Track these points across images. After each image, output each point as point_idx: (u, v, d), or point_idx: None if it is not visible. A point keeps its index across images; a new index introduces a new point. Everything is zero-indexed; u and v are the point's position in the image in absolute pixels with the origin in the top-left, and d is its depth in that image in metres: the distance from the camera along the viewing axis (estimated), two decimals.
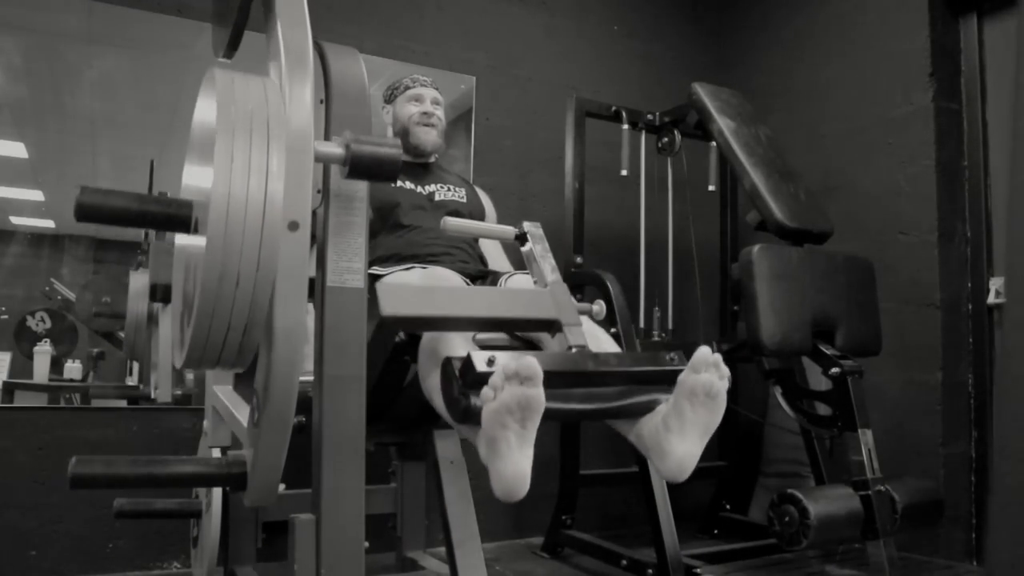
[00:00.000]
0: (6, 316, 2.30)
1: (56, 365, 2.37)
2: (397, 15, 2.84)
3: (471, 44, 2.97)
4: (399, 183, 2.08)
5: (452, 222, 1.48)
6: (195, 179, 1.08)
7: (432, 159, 2.20)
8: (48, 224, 2.40)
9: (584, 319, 1.43)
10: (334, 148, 1.07)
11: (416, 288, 1.38)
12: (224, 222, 0.87)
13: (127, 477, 1.13)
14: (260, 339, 0.97)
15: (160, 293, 1.91)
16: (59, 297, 2.36)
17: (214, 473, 1.15)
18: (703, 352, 1.19)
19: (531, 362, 1.07)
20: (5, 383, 2.27)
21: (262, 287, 0.91)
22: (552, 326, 1.33)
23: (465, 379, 1.16)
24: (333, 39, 1.26)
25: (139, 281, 2.25)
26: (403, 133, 2.14)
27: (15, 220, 2.36)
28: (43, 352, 2.34)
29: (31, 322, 2.33)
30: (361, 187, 1.18)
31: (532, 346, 1.59)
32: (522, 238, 1.47)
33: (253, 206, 0.89)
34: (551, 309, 1.33)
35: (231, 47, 1.33)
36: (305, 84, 1.04)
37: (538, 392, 1.08)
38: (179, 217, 1.02)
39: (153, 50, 2.48)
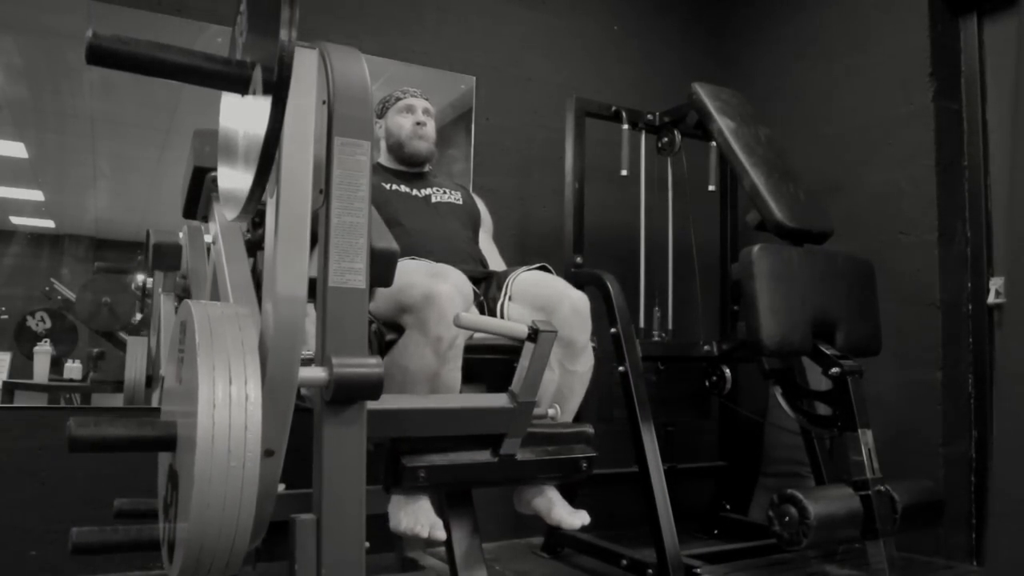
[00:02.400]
0: (6, 316, 2.30)
1: (56, 365, 2.37)
2: (397, 15, 2.84)
3: (471, 44, 2.97)
4: (396, 187, 2.09)
5: (466, 319, 1.48)
6: (177, 399, 1.13)
7: (426, 168, 2.22)
8: (48, 224, 2.40)
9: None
10: (317, 374, 1.12)
11: (394, 411, 1.49)
12: (209, 461, 0.96)
13: (117, 544, 1.23)
14: (243, 555, 1.03)
15: (167, 257, 1.89)
16: (59, 297, 2.36)
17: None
18: (575, 522, 1.73)
19: (437, 535, 1.56)
20: (5, 383, 2.27)
21: (244, 516, 0.98)
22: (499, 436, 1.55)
23: (393, 478, 1.49)
24: (333, 39, 1.26)
25: (138, 346, 2.28)
26: (397, 146, 2.16)
27: (15, 220, 2.36)
28: (43, 352, 2.34)
29: (31, 322, 2.33)
30: (363, 185, 1.18)
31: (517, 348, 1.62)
32: (533, 337, 1.48)
33: (235, 436, 0.97)
34: (505, 425, 1.53)
35: (245, 212, 1.21)
36: (299, 291, 1.10)
37: (441, 537, 1.57)
38: (167, 439, 1.08)
39: None
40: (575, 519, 1.69)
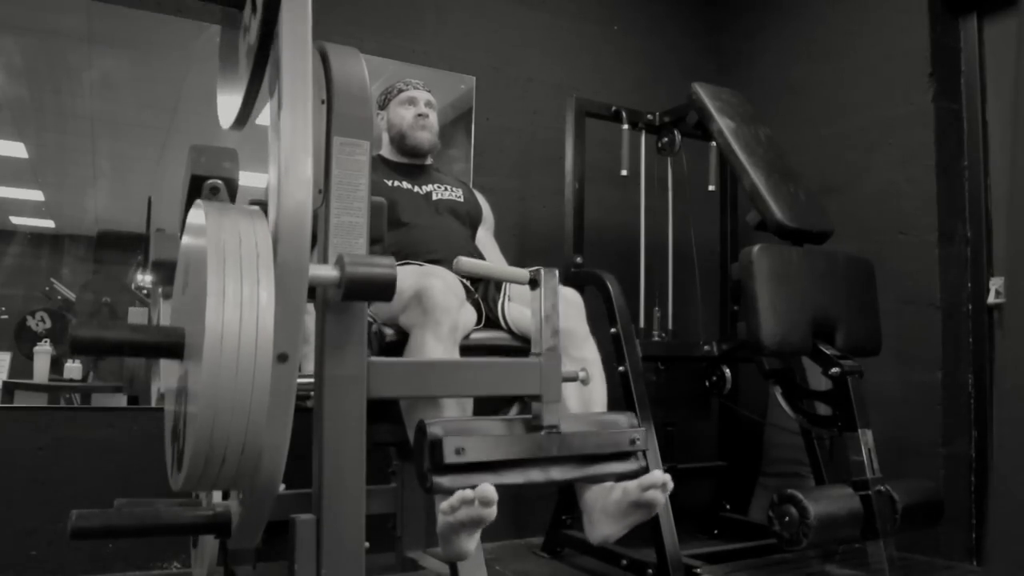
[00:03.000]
0: (6, 316, 2.30)
1: (56, 365, 2.37)
2: (397, 15, 2.84)
3: (471, 44, 2.97)
4: (396, 183, 2.09)
5: (466, 263, 1.47)
6: (187, 306, 1.09)
7: (428, 160, 2.22)
8: (48, 224, 2.40)
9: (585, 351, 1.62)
10: (329, 272, 1.09)
11: (406, 365, 1.44)
12: (218, 361, 0.91)
13: (121, 529, 1.22)
14: (255, 462, 1.00)
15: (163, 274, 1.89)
16: (59, 297, 2.36)
17: (202, 523, 1.21)
18: (655, 476, 1.41)
19: (487, 491, 1.22)
20: (5, 383, 2.26)
21: (254, 422, 0.94)
22: (534, 399, 1.41)
23: (432, 462, 1.28)
24: (333, 39, 1.26)
25: (139, 317, 2.27)
26: (399, 137, 2.16)
27: (15, 220, 2.36)
28: (43, 352, 2.34)
29: (31, 322, 2.33)
30: (363, 185, 1.18)
31: (525, 347, 1.61)
32: (534, 283, 1.45)
33: (246, 340, 0.92)
34: (535, 384, 1.40)
35: (239, 121, 1.28)
36: (304, 194, 1.04)
37: (491, 512, 1.24)
38: (172, 345, 1.04)
39: (153, 50, 2.48)
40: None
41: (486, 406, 1.63)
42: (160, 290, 2.07)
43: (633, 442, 1.46)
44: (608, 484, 1.50)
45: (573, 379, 1.49)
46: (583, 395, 1.70)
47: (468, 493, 1.22)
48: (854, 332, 2.10)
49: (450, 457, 1.27)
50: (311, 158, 1.05)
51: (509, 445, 1.34)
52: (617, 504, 1.47)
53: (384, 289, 1.10)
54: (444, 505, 1.27)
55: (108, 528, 1.18)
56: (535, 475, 1.37)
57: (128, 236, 2.43)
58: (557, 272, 1.46)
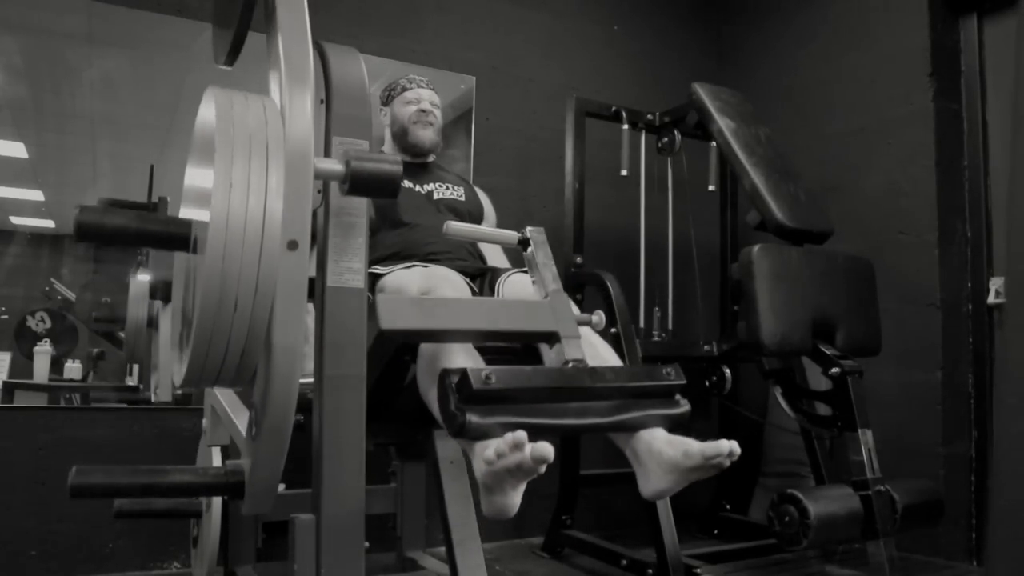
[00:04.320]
0: (6, 316, 2.30)
1: (56, 365, 2.36)
2: (397, 15, 2.84)
3: (471, 44, 2.97)
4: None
5: (455, 226, 1.46)
6: (195, 197, 1.08)
7: (431, 158, 2.21)
8: (48, 224, 2.40)
9: (584, 329, 1.44)
10: (334, 165, 1.07)
11: (415, 300, 1.37)
12: (223, 242, 0.88)
13: (125, 486, 1.12)
14: (259, 357, 0.97)
15: (160, 291, 1.91)
16: (59, 297, 2.36)
17: (212, 482, 1.15)
18: (720, 447, 1.29)
19: (544, 449, 1.07)
20: (5, 383, 2.26)
21: (261, 307, 0.91)
22: (551, 338, 1.33)
23: (461, 395, 1.17)
24: (333, 39, 1.26)
25: (139, 285, 2.25)
26: (401, 133, 2.16)
27: (15, 220, 2.36)
28: (43, 352, 2.34)
29: (31, 322, 2.33)
30: None
31: (533, 350, 1.59)
32: (525, 243, 1.46)
33: (252, 226, 0.89)
34: (550, 321, 1.33)
35: (232, 54, 1.31)
36: (305, 97, 1.03)
37: (541, 468, 1.09)
38: (178, 236, 1.02)
39: (153, 50, 2.48)
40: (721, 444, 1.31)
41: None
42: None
43: (668, 375, 1.35)
44: (661, 434, 1.34)
45: (587, 323, 1.41)
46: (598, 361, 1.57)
47: (521, 434, 1.08)
48: (854, 332, 2.10)
49: (478, 384, 1.14)
50: (311, 55, 1.05)
51: (540, 375, 1.24)
52: (676, 465, 1.31)
53: (388, 184, 1.07)
54: (490, 452, 1.10)
55: (110, 486, 1.11)
56: (573, 415, 1.25)
57: (132, 205, 2.42)
58: (543, 229, 1.46)
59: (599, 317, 1.43)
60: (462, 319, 1.28)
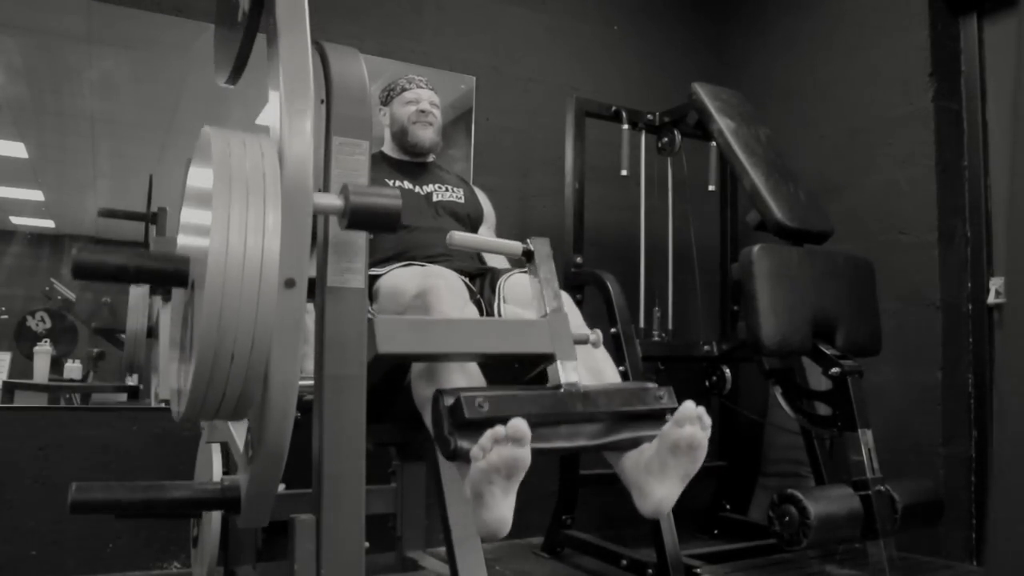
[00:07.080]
0: (6, 316, 2.30)
1: (56, 365, 2.37)
2: (397, 15, 2.84)
3: (471, 44, 2.97)
4: (397, 183, 2.08)
5: (458, 237, 1.45)
6: (193, 230, 1.08)
7: (430, 158, 2.20)
8: (48, 224, 2.40)
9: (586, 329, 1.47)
10: (333, 201, 1.08)
11: (411, 322, 1.38)
12: (221, 283, 0.89)
13: (125, 503, 1.15)
14: (258, 395, 0.98)
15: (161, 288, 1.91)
16: (59, 297, 2.36)
17: (210, 498, 1.18)
18: (687, 408, 1.26)
19: (519, 425, 1.11)
20: (5, 383, 2.27)
21: (259, 347, 0.92)
22: (547, 360, 1.35)
23: (454, 420, 1.20)
24: (333, 39, 1.26)
25: (138, 294, 2.25)
26: (401, 133, 2.15)
27: (15, 220, 2.36)
28: (43, 352, 2.34)
29: (31, 322, 2.33)
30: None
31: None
32: (528, 255, 1.45)
33: (250, 265, 0.90)
34: (547, 343, 1.35)
35: (235, 75, 1.30)
36: (304, 126, 1.03)
37: (525, 452, 1.13)
38: (176, 274, 1.03)
39: (153, 50, 2.48)
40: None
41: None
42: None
43: (659, 399, 1.36)
44: (643, 447, 1.34)
45: (584, 341, 1.42)
46: (596, 375, 1.61)
47: (500, 429, 1.12)
48: (854, 332, 2.10)
49: (471, 412, 1.18)
50: (311, 83, 1.04)
51: (532, 402, 1.25)
52: (656, 456, 1.30)
53: (387, 218, 1.07)
54: (475, 449, 1.16)
55: (110, 502, 1.12)
56: (562, 439, 1.27)
57: (131, 216, 2.42)
58: (548, 240, 1.46)
59: (597, 336, 1.44)
60: (458, 342, 1.30)
